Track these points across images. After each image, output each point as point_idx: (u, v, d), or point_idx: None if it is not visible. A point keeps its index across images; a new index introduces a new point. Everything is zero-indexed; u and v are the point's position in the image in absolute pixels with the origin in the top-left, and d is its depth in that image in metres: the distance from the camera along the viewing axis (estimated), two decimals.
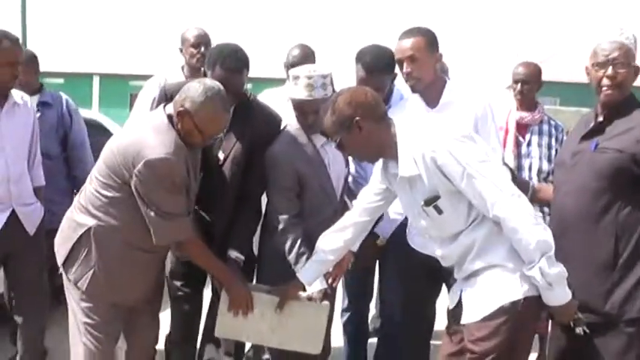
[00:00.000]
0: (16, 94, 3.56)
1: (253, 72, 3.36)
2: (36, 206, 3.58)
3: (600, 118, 2.73)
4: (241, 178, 3.23)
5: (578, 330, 2.60)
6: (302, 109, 3.09)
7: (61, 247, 2.88)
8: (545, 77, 4.57)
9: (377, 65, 3.39)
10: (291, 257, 3.06)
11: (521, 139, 4.33)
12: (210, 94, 2.71)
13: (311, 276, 2.98)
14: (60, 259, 2.88)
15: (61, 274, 2.91)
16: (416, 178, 2.53)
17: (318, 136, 3.12)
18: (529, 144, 4.31)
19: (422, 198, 2.53)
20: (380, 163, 2.75)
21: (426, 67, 3.18)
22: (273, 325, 3.00)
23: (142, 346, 3.11)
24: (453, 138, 2.49)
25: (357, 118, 2.56)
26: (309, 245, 3.02)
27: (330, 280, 3.14)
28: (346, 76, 3.71)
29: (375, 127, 2.59)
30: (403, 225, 3.33)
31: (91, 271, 2.79)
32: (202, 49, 4.47)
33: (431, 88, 3.23)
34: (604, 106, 2.72)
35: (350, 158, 3.34)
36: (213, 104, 2.71)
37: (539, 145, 4.29)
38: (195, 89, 2.73)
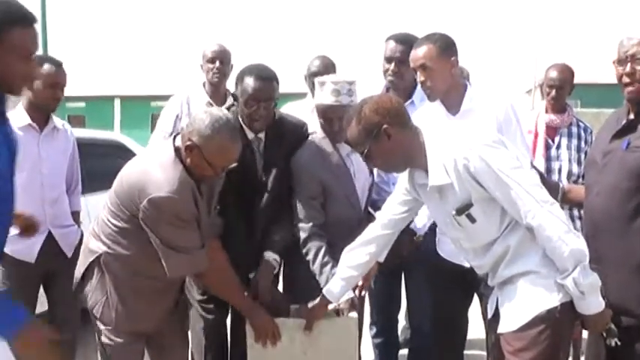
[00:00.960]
0: (57, 120, 3.69)
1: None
2: (72, 229, 3.69)
3: (631, 116, 2.66)
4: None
5: (609, 341, 2.54)
6: (328, 114, 3.08)
7: (77, 272, 2.88)
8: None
9: (407, 37, 3.47)
10: (315, 267, 3.03)
11: (550, 141, 4.28)
12: (218, 126, 2.59)
13: (338, 293, 2.90)
14: (75, 284, 2.88)
15: None
16: (447, 187, 2.47)
17: (344, 145, 3.13)
18: (558, 147, 4.25)
19: (453, 207, 2.48)
20: (405, 173, 2.69)
21: (440, 76, 3.10)
22: (304, 347, 2.94)
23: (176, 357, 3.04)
24: (485, 144, 2.44)
25: (385, 125, 2.49)
26: (334, 256, 2.97)
27: (356, 291, 3.09)
28: (365, 90, 3.73)
29: (403, 134, 2.53)
30: (432, 231, 3.28)
31: (104, 298, 2.77)
32: (218, 64, 4.47)
33: (451, 95, 3.16)
34: (630, 102, 2.66)
35: None
36: (220, 137, 2.59)
37: (569, 148, 4.23)
38: (202, 121, 2.61)
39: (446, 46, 3.16)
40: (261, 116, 3.06)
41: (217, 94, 4.56)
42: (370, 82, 3.59)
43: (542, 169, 4.14)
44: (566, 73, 4.32)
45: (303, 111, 3.90)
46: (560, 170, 4.21)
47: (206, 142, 2.59)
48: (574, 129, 4.29)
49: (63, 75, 3.58)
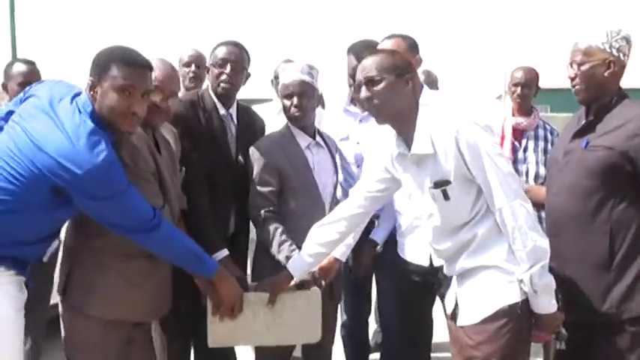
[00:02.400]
0: None
1: (243, 93, 3.39)
2: None
3: (591, 117, 2.72)
4: None
5: (558, 345, 2.60)
6: (289, 90, 3.11)
7: (61, 272, 2.73)
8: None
9: (367, 47, 3.40)
10: (274, 247, 2.99)
11: (517, 144, 4.32)
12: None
13: (301, 267, 2.88)
14: (61, 284, 2.71)
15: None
16: (428, 158, 2.47)
17: (304, 137, 3.17)
18: (525, 149, 4.29)
19: (431, 180, 2.48)
20: (384, 145, 2.67)
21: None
22: (267, 322, 2.90)
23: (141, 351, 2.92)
24: (477, 124, 2.45)
25: (412, 74, 2.53)
26: (297, 244, 2.95)
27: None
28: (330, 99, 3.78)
29: (414, 93, 2.56)
30: (393, 234, 3.33)
31: (89, 288, 2.63)
32: (194, 67, 4.44)
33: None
34: (580, 103, 2.73)
35: (339, 164, 3.37)
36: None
37: (535, 151, 4.27)
38: None
39: (414, 44, 3.24)
40: (230, 78, 3.19)
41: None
42: (336, 89, 3.59)
43: None
44: (531, 73, 4.37)
45: (268, 113, 3.92)
46: (527, 173, 4.24)
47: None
48: (540, 131, 4.33)
49: (35, 73, 3.57)
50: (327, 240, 2.84)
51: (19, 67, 3.78)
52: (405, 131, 2.53)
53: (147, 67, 2.51)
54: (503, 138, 4.33)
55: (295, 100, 3.10)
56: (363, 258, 3.30)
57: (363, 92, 2.52)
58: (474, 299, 2.51)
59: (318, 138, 3.26)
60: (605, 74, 2.63)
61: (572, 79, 2.69)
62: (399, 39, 3.24)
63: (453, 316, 2.61)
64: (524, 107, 4.33)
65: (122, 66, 2.42)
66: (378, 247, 3.41)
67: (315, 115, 3.26)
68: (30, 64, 3.85)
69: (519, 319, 2.43)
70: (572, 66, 2.69)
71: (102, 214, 2.47)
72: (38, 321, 3.52)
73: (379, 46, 3.28)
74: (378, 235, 3.39)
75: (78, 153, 2.30)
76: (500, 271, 2.45)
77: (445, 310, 2.70)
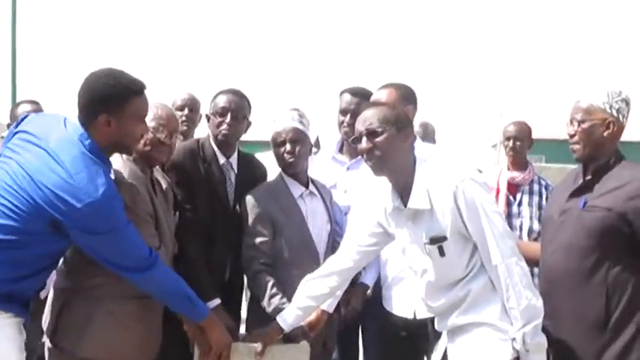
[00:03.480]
0: None
1: (248, 135, 3.44)
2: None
3: (589, 176, 2.73)
4: None
5: None
6: (281, 137, 3.14)
7: (50, 313, 2.70)
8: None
9: (362, 90, 3.51)
10: (265, 300, 2.98)
11: (512, 198, 4.34)
12: None
13: (291, 320, 2.84)
14: (50, 325, 2.68)
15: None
16: (424, 213, 2.49)
17: (297, 186, 3.18)
18: (520, 203, 4.33)
19: (427, 235, 2.49)
20: (377, 200, 2.68)
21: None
22: None
23: None
24: (475, 180, 2.48)
25: (411, 130, 2.57)
26: (289, 295, 2.94)
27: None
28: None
29: (411, 149, 2.59)
30: (378, 286, 3.30)
31: (81, 330, 2.60)
32: (187, 111, 4.45)
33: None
34: (578, 161, 2.76)
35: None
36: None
37: (530, 205, 4.30)
38: None
39: (409, 94, 3.26)
40: (230, 127, 3.19)
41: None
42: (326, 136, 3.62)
43: None
44: (523, 126, 4.45)
45: (272, 159, 3.93)
46: (521, 227, 4.27)
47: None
48: (535, 186, 4.37)
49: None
50: (318, 294, 2.83)
51: (24, 108, 3.91)
52: (402, 185, 2.55)
53: (146, 87, 2.58)
54: (498, 192, 4.37)
55: (288, 146, 3.12)
56: (353, 303, 3.25)
57: (364, 143, 2.53)
58: (466, 356, 2.49)
59: (311, 186, 3.26)
60: (605, 134, 2.65)
61: (572, 137, 2.71)
62: (392, 89, 3.25)
63: None
64: (518, 161, 4.38)
65: (139, 97, 2.52)
66: (368, 290, 3.35)
67: (307, 163, 3.27)
68: (34, 103, 4.01)
69: None
70: (572, 123, 2.71)
71: (98, 250, 2.45)
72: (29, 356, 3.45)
73: (373, 97, 3.29)
74: (368, 278, 3.33)
75: (77, 186, 2.30)
76: (493, 329, 2.45)
77: None
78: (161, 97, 3.08)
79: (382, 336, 3.35)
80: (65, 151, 2.36)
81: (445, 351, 2.60)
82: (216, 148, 3.25)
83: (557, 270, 2.69)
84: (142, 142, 2.74)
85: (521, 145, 4.38)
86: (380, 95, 3.24)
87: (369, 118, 2.54)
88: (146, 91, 2.57)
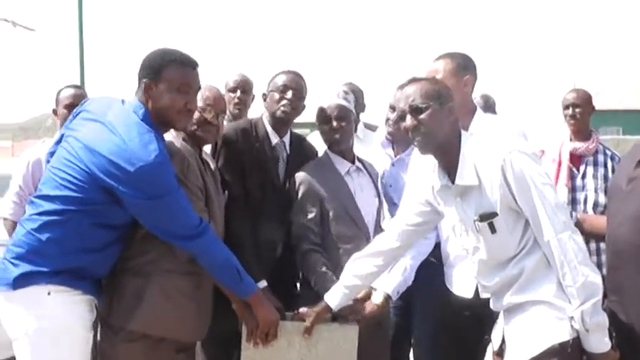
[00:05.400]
0: None
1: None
2: None
3: None
4: None
5: None
6: (326, 113, 3.15)
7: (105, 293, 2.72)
8: (605, 106, 4.41)
9: None
10: (313, 279, 2.98)
11: (575, 171, 4.13)
12: None
13: (339, 300, 2.81)
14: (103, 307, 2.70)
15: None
16: (472, 190, 2.42)
17: (343, 162, 3.18)
18: (584, 176, 4.11)
19: (476, 212, 2.41)
20: (425, 177, 2.61)
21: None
22: (302, 353, 2.84)
23: None
24: (524, 152, 2.39)
25: (453, 104, 2.50)
26: (339, 272, 2.89)
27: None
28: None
29: (457, 123, 2.52)
30: (439, 263, 3.16)
31: (134, 305, 2.61)
32: (239, 93, 4.40)
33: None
34: None
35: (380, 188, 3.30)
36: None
37: (595, 177, 4.08)
38: None
39: (465, 64, 3.12)
40: (291, 103, 3.17)
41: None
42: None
43: (566, 199, 3.99)
44: (582, 93, 4.23)
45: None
46: (585, 201, 4.07)
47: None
48: (600, 157, 4.14)
49: (82, 97, 3.71)
50: (364, 273, 2.78)
51: (66, 92, 3.97)
52: (449, 162, 2.47)
53: (197, 66, 2.64)
54: (560, 164, 4.16)
55: (334, 123, 3.13)
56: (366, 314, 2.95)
57: (408, 121, 2.47)
58: (523, 336, 2.41)
59: (357, 163, 3.24)
60: None
61: None
62: (447, 59, 3.11)
63: (499, 353, 2.53)
64: (580, 130, 4.16)
65: (178, 67, 2.55)
66: (384, 295, 3.01)
67: (353, 140, 3.26)
68: (77, 88, 4.09)
69: (569, 358, 2.33)
70: None
71: (150, 217, 2.50)
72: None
73: (428, 68, 3.16)
74: (390, 287, 3.01)
75: (130, 151, 2.39)
76: (550, 307, 2.35)
77: (492, 347, 2.61)
78: (214, 79, 3.13)
79: (443, 316, 3.20)
80: (120, 121, 2.48)
81: (504, 332, 2.51)
82: (269, 128, 3.23)
83: (623, 243, 2.52)
84: (191, 132, 2.79)
85: (582, 113, 4.14)
86: (435, 66, 3.12)
87: (411, 94, 2.48)
88: (194, 68, 2.62)
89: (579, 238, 2.34)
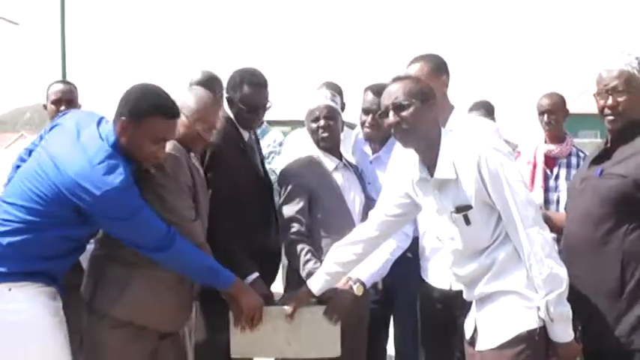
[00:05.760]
0: None
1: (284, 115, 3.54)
2: None
3: (609, 144, 2.72)
4: None
5: None
6: (314, 114, 3.31)
7: (88, 277, 2.82)
8: (584, 110, 4.54)
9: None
10: (299, 266, 3.09)
11: (549, 172, 4.26)
12: (191, 88, 3.00)
13: (321, 285, 2.94)
14: (89, 288, 2.79)
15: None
16: (449, 183, 2.53)
17: (331, 159, 3.33)
18: (557, 177, 4.25)
19: (453, 204, 2.53)
20: (404, 170, 2.72)
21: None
22: (287, 336, 2.97)
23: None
24: (499, 150, 2.50)
25: (434, 101, 2.60)
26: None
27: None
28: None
29: (437, 120, 2.63)
30: (414, 256, 3.27)
31: (117, 293, 2.71)
32: None
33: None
34: (611, 132, 2.73)
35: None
36: (197, 95, 2.95)
37: (567, 179, 4.21)
38: (179, 93, 2.93)
39: (439, 64, 3.22)
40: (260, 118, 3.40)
41: None
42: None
43: (541, 199, 4.13)
44: (556, 98, 4.33)
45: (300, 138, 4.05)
46: (558, 201, 4.20)
47: (190, 103, 2.89)
48: (573, 159, 4.27)
49: (69, 92, 3.89)
50: (345, 260, 2.90)
51: (54, 87, 4.03)
52: (429, 156, 2.58)
53: (178, 115, 2.69)
54: (535, 166, 4.29)
55: (322, 122, 3.28)
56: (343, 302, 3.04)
57: (391, 117, 2.57)
58: (493, 324, 2.52)
59: (344, 160, 3.40)
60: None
61: (612, 108, 2.70)
62: (422, 62, 3.22)
63: (471, 341, 2.64)
64: (555, 134, 4.27)
65: (161, 119, 2.61)
66: (357, 287, 3.09)
67: (340, 139, 3.39)
68: (66, 83, 4.14)
69: (536, 345, 2.45)
70: (607, 96, 2.71)
71: (119, 233, 2.62)
72: (73, 331, 3.54)
73: (405, 71, 3.27)
74: (365, 275, 3.11)
75: (97, 175, 2.48)
76: (520, 297, 2.47)
77: (464, 336, 2.71)
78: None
79: (420, 307, 3.34)
80: (91, 144, 2.55)
81: (475, 321, 2.63)
82: (240, 128, 3.35)
83: (574, 238, 2.70)
84: (182, 132, 2.86)
85: (556, 119, 4.27)
86: (410, 70, 3.21)
87: (394, 92, 2.58)
88: (175, 117, 2.66)
89: (547, 233, 2.46)
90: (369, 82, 3.67)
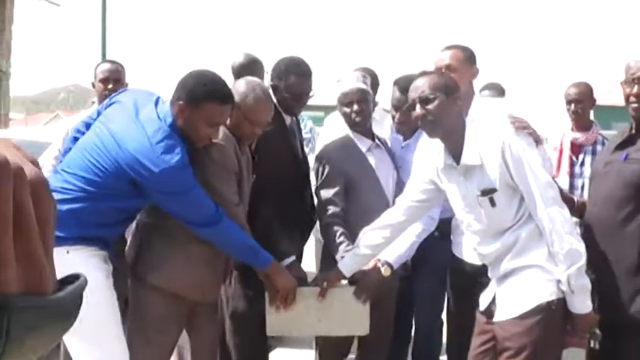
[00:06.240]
0: None
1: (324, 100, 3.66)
2: None
3: (633, 130, 2.83)
4: None
5: (592, 344, 2.76)
6: (348, 98, 3.40)
7: (131, 244, 3.03)
8: (619, 102, 4.62)
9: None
10: (333, 248, 3.24)
11: (574, 159, 4.39)
12: (252, 86, 3.05)
13: (351, 267, 3.11)
14: (130, 258, 3.00)
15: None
16: (475, 168, 2.69)
17: (364, 141, 3.45)
18: (582, 164, 4.37)
19: (478, 188, 2.69)
20: (429, 158, 2.88)
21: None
22: (319, 315, 3.14)
23: (205, 343, 3.18)
24: (520, 138, 2.67)
25: (459, 94, 2.77)
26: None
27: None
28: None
29: (461, 111, 2.80)
30: (442, 234, 3.45)
31: (157, 263, 2.91)
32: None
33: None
34: (635, 119, 2.83)
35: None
36: (255, 93, 3.04)
37: (592, 166, 4.31)
38: (239, 84, 3.07)
39: (472, 55, 3.36)
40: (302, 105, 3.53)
41: None
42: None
43: (567, 185, 4.27)
44: (583, 88, 4.46)
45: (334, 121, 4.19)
46: (582, 187, 4.31)
47: (244, 99, 3.02)
48: (599, 147, 4.38)
49: (117, 72, 4.08)
50: (374, 243, 3.06)
51: (102, 67, 4.23)
52: (454, 145, 2.74)
53: (233, 101, 2.86)
54: (561, 152, 4.42)
55: (355, 106, 3.38)
56: (369, 284, 3.20)
57: (418, 110, 2.73)
58: (515, 295, 2.68)
59: (377, 140, 3.52)
60: None
61: (637, 97, 2.76)
62: (458, 50, 3.35)
63: (485, 312, 2.81)
64: (581, 123, 4.41)
65: (218, 104, 2.75)
66: (384, 268, 3.24)
67: (371, 120, 3.52)
68: (113, 63, 4.32)
69: (554, 315, 2.60)
70: (632, 84, 2.77)
71: (171, 207, 2.79)
72: (119, 295, 3.77)
73: (438, 56, 3.40)
74: (393, 257, 3.26)
75: (155, 153, 2.64)
76: (541, 270, 2.63)
77: (479, 307, 2.88)
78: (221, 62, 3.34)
79: (451, 282, 3.54)
80: (150, 123, 2.71)
81: (494, 296, 2.78)
82: (282, 112, 3.48)
83: (596, 220, 2.83)
84: (234, 123, 3.02)
85: (583, 108, 4.41)
86: (444, 55, 3.34)
87: (420, 86, 2.74)
88: (231, 103, 2.82)
89: (566, 212, 2.63)
90: (401, 65, 3.78)
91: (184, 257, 2.92)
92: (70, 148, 2.94)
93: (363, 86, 3.42)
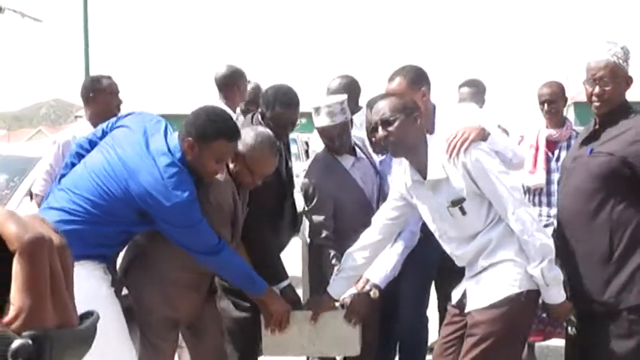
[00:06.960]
0: None
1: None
2: None
3: (597, 126, 2.99)
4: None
5: (570, 330, 2.94)
6: (328, 134, 3.47)
7: (120, 266, 3.14)
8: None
9: None
10: (326, 268, 3.37)
11: (550, 155, 4.54)
12: (261, 139, 3.10)
13: (339, 290, 3.23)
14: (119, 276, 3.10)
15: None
16: (442, 182, 2.82)
17: (346, 158, 3.51)
18: (557, 159, 4.49)
19: (447, 200, 2.82)
20: (399, 176, 3.02)
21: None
22: (311, 337, 3.28)
23: (211, 341, 3.28)
24: (481, 149, 2.82)
25: (418, 113, 2.90)
26: None
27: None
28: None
29: (422, 129, 2.94)
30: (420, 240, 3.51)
31: (143, 288, 3.04)
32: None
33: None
34: (598, 117, 2.99)
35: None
36: (262, 147, 3.09)
37: None
38: (247, 133, 3.10)
39: (417, 76, 3.41)
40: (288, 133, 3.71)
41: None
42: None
43: (544, 180, 4.44)
44: (555, 88, 4.61)
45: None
46: (559, 181, 4.43)
47: (249, 151, 3.07)
48: (573, 142, 4.53)
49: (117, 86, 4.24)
50: (356, 264, 3.18)
51: (110, 81, 4.36)
52: (418, 161, 2.89)
53: (240, 138, 2.96)
54: (537, 149, 4.56)
55: (336, 141, 3.47)
56: (360, 308, 3.30)
57: (380, 132, 2.88)
58: (485, 287, 2.82)
59: (358, 151, 3.59)
60: (625, 87, 2.93)
61: (599, 96, 2.90)
62: (400, 78, 3.38)
63: (457, 305, 2.95)
64: (555, 121, 4.57)
65: (227, 143, 2.85)
66: (372, 291, 3.33)
67: (351, 138, 3.59)
68: (107, 78, 4.41)
69: (521, 307, 2.76)
70: (594, 85, 2.90)
71: (177, 237, 2.90)
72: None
73: (386, 89, 3.43)
74: (378, 278, 3.34)
75: (167, 188, 2.75)
76: (513, 264, 2.77)
77: (451, 301, 3.02)
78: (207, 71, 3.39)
79: (440, 279, 3.72)
80: (161, 157, 2.80)
81: (465, 290, 2.91)
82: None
83: (567, 212, 2.99)
84: (236, 170, 3.13)
85: (556, 107, 4.55)
86: (391, 88, 3.38)
87: (381, 109, 2.89)
88: (238, 139, 2.93)
89: (531, 210, 2.82)
90: (389, 64, 3.84)
91: (165, 282, 3.03)
92: (73, 163, 3.01)
93: (340, 119, 3.41)
